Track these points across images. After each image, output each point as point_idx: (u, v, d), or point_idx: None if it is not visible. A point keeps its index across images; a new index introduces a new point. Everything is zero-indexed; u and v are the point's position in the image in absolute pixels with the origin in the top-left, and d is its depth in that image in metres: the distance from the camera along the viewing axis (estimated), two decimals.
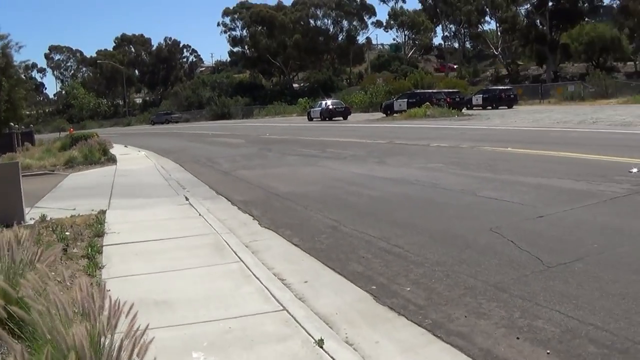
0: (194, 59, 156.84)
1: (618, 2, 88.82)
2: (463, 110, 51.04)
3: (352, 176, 15.64)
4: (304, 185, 14.76)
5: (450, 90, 62.00)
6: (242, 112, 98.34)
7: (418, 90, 62.48)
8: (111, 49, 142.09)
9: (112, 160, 26.00)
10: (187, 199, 13.64)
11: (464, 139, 24.15)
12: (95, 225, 10.28)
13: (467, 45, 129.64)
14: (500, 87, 66.35)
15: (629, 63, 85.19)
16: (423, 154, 19.94)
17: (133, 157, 28.70)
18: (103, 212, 11.95)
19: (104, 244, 9.15)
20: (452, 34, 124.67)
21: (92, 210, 12.08)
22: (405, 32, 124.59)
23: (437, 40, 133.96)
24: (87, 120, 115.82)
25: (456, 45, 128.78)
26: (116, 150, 31.50)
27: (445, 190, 12.31)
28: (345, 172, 16.71)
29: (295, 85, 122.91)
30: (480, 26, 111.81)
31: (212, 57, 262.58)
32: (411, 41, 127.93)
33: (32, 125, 50.35)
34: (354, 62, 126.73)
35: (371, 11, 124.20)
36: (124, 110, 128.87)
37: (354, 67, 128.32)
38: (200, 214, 11.38)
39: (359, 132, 35.72)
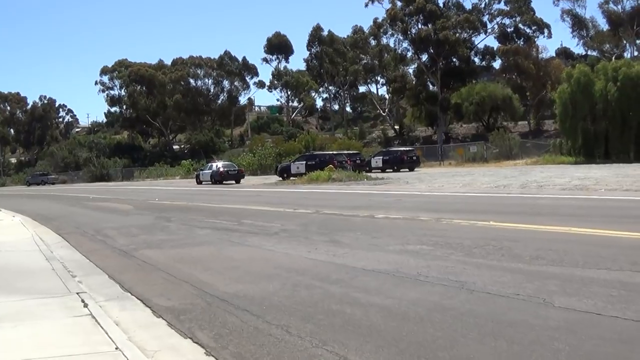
0: (70, 119, 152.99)
1: (500, 60, 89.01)
2: (364, 173, 47.56)
3: (314, 265, 11.26)
4: (254, 280, 10.33)
5: (351, 152, 58.96)
6: (122, 174, 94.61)
7: (317, 152, 59.42)
8: None
9: None
10: (85, 304, 9.04)
11: (412, 209, 20.22)
12: None
13: (348, 108, 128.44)
14: (402, 149, 64.13)
15: (520, 123, 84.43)
16: (381, 229, 15.67)
17: (6, 225, 24.08)
18: None
19: None
20: (333, 95, 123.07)
21: None
22: (289, 93, 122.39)
23: (319, 102, 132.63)
24: None
25: (336, 107, 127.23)
26: None
27: (492, 295, 8.15)
28: (295, 257, 12.37)
29: (175, 146, 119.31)
30: (367, 86, 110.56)
31: (88, 117, 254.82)
32: (295, 102, 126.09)
33: None
34: (235, 124, 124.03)
35: (253, 71, 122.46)
36: None
37: (234, 128, 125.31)
38: (116, 346, 6.77)
39: (265, 198, 31.62)
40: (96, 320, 8.03)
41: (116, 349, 6.70)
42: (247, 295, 9.18)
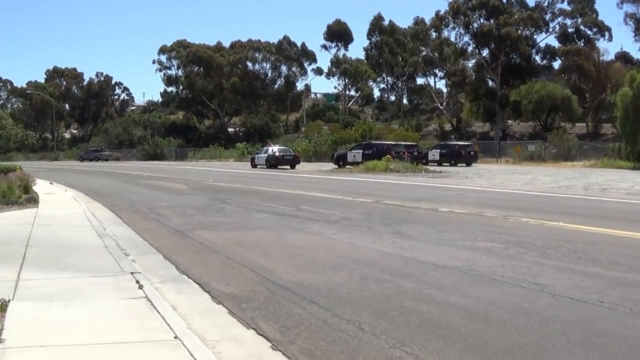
0: (126, 97, 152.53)
1: (561, 60, 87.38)
2: (421, 165, 46.71)
3: (381, 257, 10.67)
4: (318, 269, 9.78)
5: (408, 144, 58.15)
6: (176, 154, 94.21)
7: (374, 142, 58.63)
8: (42, 81, 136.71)
9: (33, 200, 20.67)
10: (140, 285, 8.56)
11: (476, 204, 19.44)
12: None
13: (404, 99, 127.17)
14: (460, 143, 62.81)
15: (577, 124, 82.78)
16: (446, 223, 14.98)
17: (59, 198, 23.64)
18: (4, 305, 7.01)
19: None
20: (390, 86, 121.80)
21: None
22: (347, 81, 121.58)
23: (376, 92, 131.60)
24: (13, 152, 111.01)
25: (392, 98, 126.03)
26: (40, 187, 26.49)
27: (575, 301, 7.55)
28: (360, 247, 11.80)
29: (230, 129, 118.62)
30: (426, 78, 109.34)
31: (144, 96, 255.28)
32: (352, 91, 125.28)
33: None
34: (291, 109, 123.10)
35: (311, 57, 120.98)
36: (52, 144, 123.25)
37: (290, 114, 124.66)
38: (175, 335, 6.24)
39: (322, 185, 30.91)
40: (152, 304, 7.56)
41: (175, 337, 6.17)
42: (312, 285, 8.65)
